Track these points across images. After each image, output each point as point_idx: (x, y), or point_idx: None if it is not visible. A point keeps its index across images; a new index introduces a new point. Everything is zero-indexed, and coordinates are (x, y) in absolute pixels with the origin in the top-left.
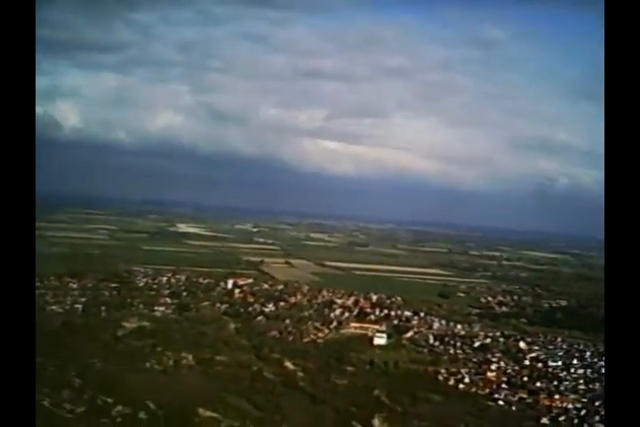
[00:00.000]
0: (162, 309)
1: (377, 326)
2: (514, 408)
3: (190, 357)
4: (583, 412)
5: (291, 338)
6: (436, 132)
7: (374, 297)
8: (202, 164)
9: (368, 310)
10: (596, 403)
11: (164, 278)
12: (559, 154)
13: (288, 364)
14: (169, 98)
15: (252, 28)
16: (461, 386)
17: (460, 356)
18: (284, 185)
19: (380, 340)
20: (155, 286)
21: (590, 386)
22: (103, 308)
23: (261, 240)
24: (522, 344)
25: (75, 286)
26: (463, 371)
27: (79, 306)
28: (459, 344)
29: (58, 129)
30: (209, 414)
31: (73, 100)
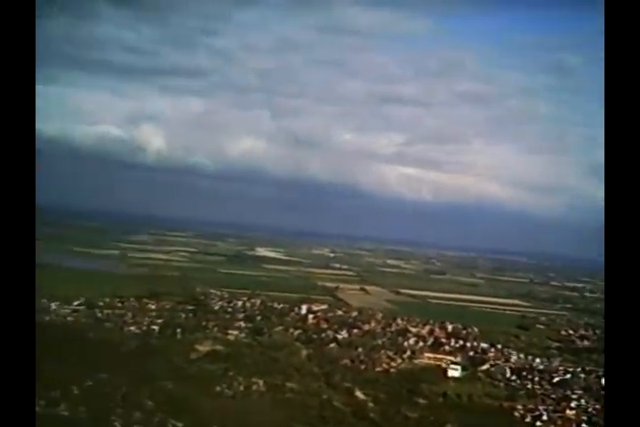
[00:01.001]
0: (235, 332)
1: (451, 358)
2: None
3: (261, 382)
4: None
5: (363, 367)
6: (515, 159)
7: (450, 327)
8: (281, 188)
9: (443, 340)
10: None
11: (240, 302)
12: None
13: (359, 393)
14: (250, 123)
15: (331, 54)
16: (539, 424)
17: (538, 391)
18: (362, 210)
19: (455, 372)
20: (230, 310)
21: None
22: (178, 330)
23: (337, 266)
24: (603, 381)
25: (153, 307)
26: (541, 408)
27: (155, 327)
28: (537, 379)
29: (142, 153)
30: None
31: (157, 124)
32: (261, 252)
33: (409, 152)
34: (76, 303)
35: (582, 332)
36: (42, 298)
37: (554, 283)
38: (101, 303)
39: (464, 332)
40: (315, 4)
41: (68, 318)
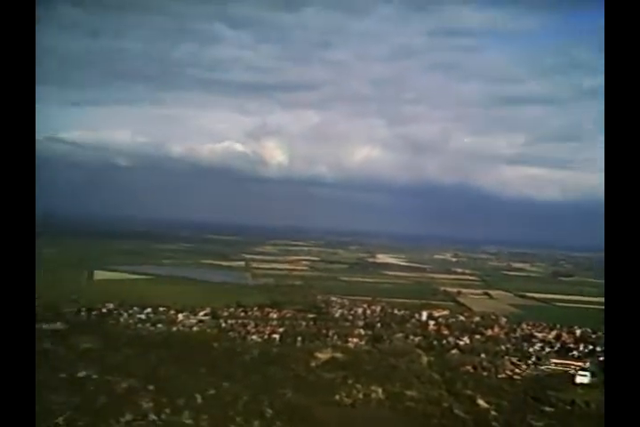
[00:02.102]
0: (355, 340)
1: (580, 364)
2: None
3: (380, 390)
4: None
5: (485, 373)
6: None
7: (578, 331)
8: (400, 194)
9: (571, 345)
10: None
11: (360, 309)
12: None
13: (481, 401)
14: (366, 132)
15: (445, 58)
16: None
17: None
18: (484, 213)
19: (583, 378)
20: (350, 317)
21: None
22: (299, 338)
23: (460, 270)
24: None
25: (275, 316)
26: None
27: (277, 336)
28: None
29: (265, 166)
30: None
31: (278, 138)
32: (382, 258)
33: (531, 152)
34: (201, 314)
35: None
36: (170, 309)
37: None
38: (226, 313)
39: (594, 336)
40: (426, 9)
41: (194, 328)
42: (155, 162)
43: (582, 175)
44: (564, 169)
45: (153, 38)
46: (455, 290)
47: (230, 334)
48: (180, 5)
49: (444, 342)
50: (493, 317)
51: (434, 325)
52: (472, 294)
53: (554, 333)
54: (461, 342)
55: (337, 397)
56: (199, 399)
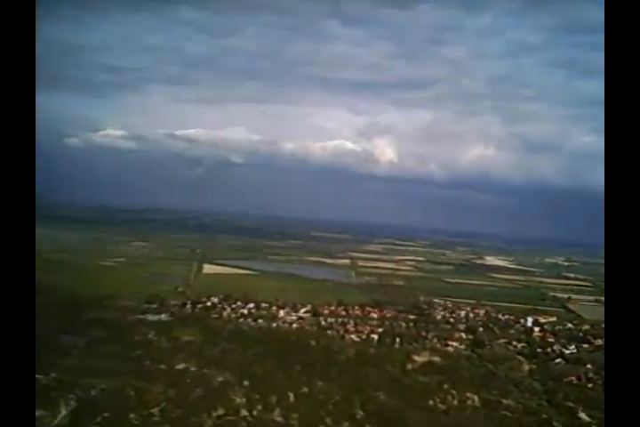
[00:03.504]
0: (455, 344)
1: None
2: None
3: (476, 398)
4: None
5: (590, 385)
6: None
7: None
8: (513, 195)
9: None
10: None
11: (463, 312)
12: None
13: (582, 415)
14: (480, 130)
15: (565, 54)
16: None
17: None
18: (601, 215)
19: None
20: (452, 320)
21: None
22: (397, 339)
23: (572, 275)
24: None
25: (375, 316)
26: None
27: (375, 336)
28: None
29: (375, 164)
30: None
31: (389, 136)
32: (490, 260)
33: None
34: (302, 311)
35: None
36: (272, 305)
37: None
38: (326, 311)
39: None
40: (547, 4)
41: (294, 325)
42: (267, 159)
43: None
44: None
45: (266, 36)
46: (565, 296)
47: (329, 332)
48: (294, 2)
49: (549, 350)
50: (604, 325)
51: (539, 331)
52: (583, 300)
53: None
54: (567, 351)
55: (430, 402)
56: (291, 398)
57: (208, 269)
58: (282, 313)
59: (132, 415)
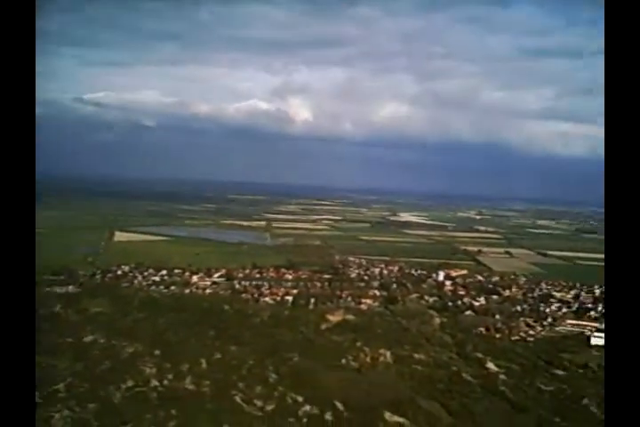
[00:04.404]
0: (369, 301)
1: (597, 324)
2: None
3: (388, 354)
4: None
5: (498, 336)
6: None
7: (598, 291)
8: (427, 152)
9: (589, 305)
10: None
11: (377, 270)
12: None
13: (491, 365)
14: (393, 88)
15: (474, 11)
16: None
17: None
18: (511, 170)
19: (599, 340)
20: (366, 278)
21: None
22: (312, 300)
23: (482, 228)
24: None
25: (290, 277)
26: None
27: (290, 298)
28: None
29: (290, 124)
30: (395, 419)
31: (303, 95)
32: (405, 217)
33: (560, 106)
34: (216, 275)
35: None
36: (185, 271)
37: None
38: (241, 275)
39: None
40: None
41: (207, 291)
42: (181, 122)
43: None
44: (592, 124)
45: None
46: (476, 249)
47: (243, 296)
48: None
49: (459, 302)
50: (513, 276)
51: (450, 285)
52: (493, 252)
53: (573, 292)
54: (477, 303)
55: (343, 361)
56: (204, 364)
57: (119, 236)
58: (195, 279)
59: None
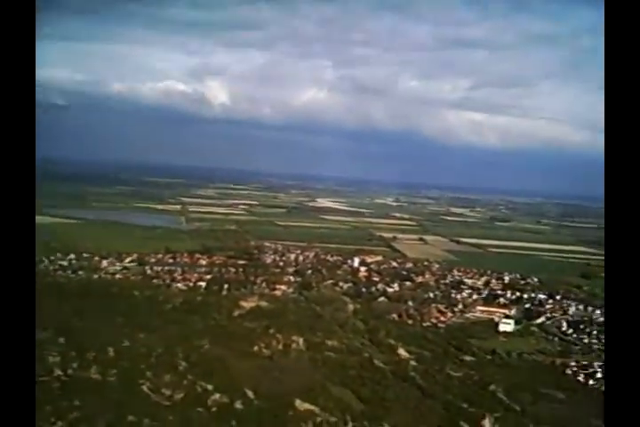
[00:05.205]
0: (283, 287)
1: (505, 311)
2: None
3: (301, 340)
4: None
5: (410, 322)
6: (587, 101)
7: (507, 278)
8: (345, 138)
9: (499, 291)
10: None
11: (292, 255)
12: None
13: (402, 351)
14: (312, 73)
15: None
16: (591, 382)
17: (595, 346)
18: (427, 158)
19: (507, 326)
20: (281, 264)
21: None
22: (226, 286)
23: (398, 215)
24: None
25: (204, 262)
26: (596, 364)
27: (203, 284)
28: (595, 333)
29: (208, 106)
30: (306, 406)
31: (221, 77)
32: (323, 203)
33: (475, 97)
34: (127, 260)
35: None
36: (94, 256)
37: None
38: (153, 260)
39: (522, 282)
40: None
41: (117, 276)
42: (93, 101)
43: (523, 121)
44: (506, 115)
45: None
46: (391, 235)
47: (155, 281)
48: None
49: (373, 289)
50: (426, 263)
51: (365, 271)
52: (408, 239)
53: (483, 279)
54: (390, 290)
55: (256, 348)
56: (111, 353)
57: None
58: (105, 263)
59: None
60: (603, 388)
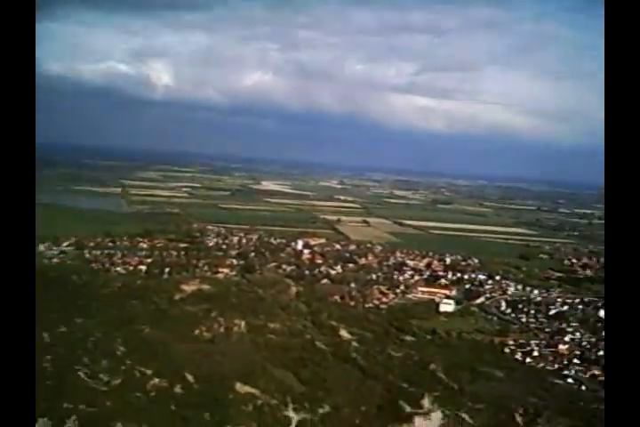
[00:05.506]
0: (226, 270)
1: (446, 291)
2: (583, 387)
3: (243, 324)
4: None
5: (352, 303)
6: (529, 86)
7: (449, 259)
8: (290, 121)
9: (440, 273)
10: None
11: (235, 238)
12: None
13: (344, 332)
14: (258, 56)
15: None
16: (529, 360)
17: (532, 325)
18: (372, 141)
19: (447, 306)
20: (224, 247)
21: None
22: (167, 269)
23: (342, 198)
24: (602, 313)
25: (144, 246)
26: (533, 343)
27: (143, 267)
28: (532, 312)
29: (152, 88)
30: (246, 389)
31: (164, 59)
32: (267, 185)
33: (420, 81)
34: (65, 244)
35: (586, 261)
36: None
37: (563, 210)
38: (92, 244)
39: (463, 263)
40: None
41: (54, 260)
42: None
43: (467, 105)
44: (451, 99)
45: None
46: (335, 218)
47: (93, 265)
48: None
49: (317, 271)
50: (369, 245)
51: (309, 254)
52: (352, 221)
53: (425, 260)
54: (333, 272)
55: (196, 331)
56: (46, 339)
57: None
58: (42, 248)
59: None
60: (540, 366)
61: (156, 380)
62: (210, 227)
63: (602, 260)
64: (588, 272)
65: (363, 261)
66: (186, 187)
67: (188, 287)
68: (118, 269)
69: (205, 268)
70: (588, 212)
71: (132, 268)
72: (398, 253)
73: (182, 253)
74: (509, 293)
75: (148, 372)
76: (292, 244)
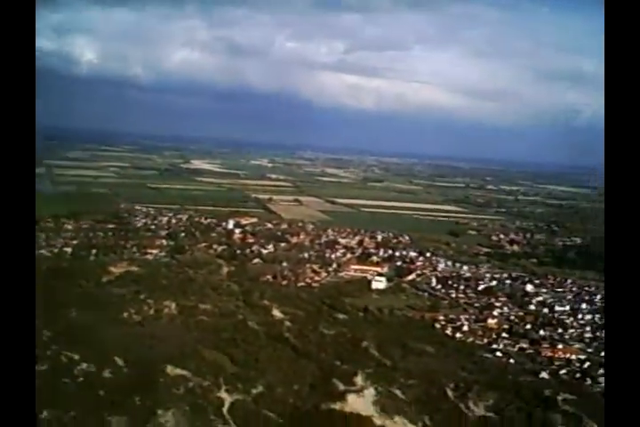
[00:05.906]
0: (155, 251)
1: (378, 269)
2: (512, 361)
3: (173, 305)
4: (587, 364)
5: (285, 282)
6: (458, 65)
7: (380, 237)
8: (219, 99)
9: (372, 250)
10: (602, 353)
11: (165, 219)
12: (585, 85)
13: (276, 312)
14: (185, 33)
15: None
16: (458, 335)
17: (462, 300)
18: (302, 119)
19: (379, 284)
20: (153, 227)
21: (597, 334)
22: (93, 251)
23: (274, 176)
24: (529, 287)
25: (69, 227)
26: (462, 318)
27: (69, 249)
28: (462, 287)
29: (74, 64)
30: (178, 371)
31: (89, 35)
32: (197, 164)
33: (349, 60)
34: None
35: (513, 236)
36: None
37: (490, 187)
38: None
39: (394, 241)
40: None
41: None
42: None
43: (396, 84)
44: (381, 78)
45: None
46: (267, 197)
47: None
48: None
49: (248, 251)
50: (300, 224)
51: (240, 233)
52: (283, 200)
53: (357, 238)
54: (265, 251)
55: (125, 314)
56: None
57: None
58: None
59: None
60: (470, 340)
61: (84, 365)
62: (138, 207)
63: (528, 235)
64: (515, 248)
65: (295, 239)
66: (113, 166)
67: (116, 269)
68: (42, 251)
69: (134, 249)
70: (515, 188)
71: (56, 250)
72: (330, 232)
73: (110, 234)
74: (439, 269)
75: (76, 357)
76: (223, 223)
